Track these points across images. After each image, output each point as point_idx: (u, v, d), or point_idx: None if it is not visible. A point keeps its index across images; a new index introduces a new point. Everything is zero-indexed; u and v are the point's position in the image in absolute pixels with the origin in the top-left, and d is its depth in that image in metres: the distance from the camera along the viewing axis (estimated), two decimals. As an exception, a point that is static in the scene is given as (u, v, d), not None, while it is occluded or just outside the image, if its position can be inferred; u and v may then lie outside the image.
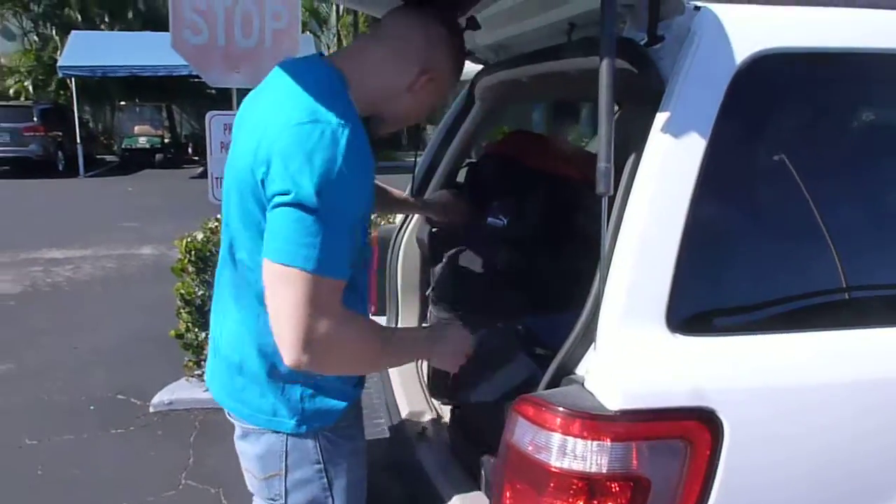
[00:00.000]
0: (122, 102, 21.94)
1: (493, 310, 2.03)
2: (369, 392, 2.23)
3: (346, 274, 1.20)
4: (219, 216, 3.98)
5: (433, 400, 2.05)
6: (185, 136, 23.12)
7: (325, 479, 1.40)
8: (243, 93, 4.36)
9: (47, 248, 8.57)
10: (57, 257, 8.16)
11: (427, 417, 1.98)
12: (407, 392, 2.12)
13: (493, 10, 1.95)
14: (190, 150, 21.83)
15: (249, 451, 1.43)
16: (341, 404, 1.38)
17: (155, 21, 22.01)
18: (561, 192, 2.27)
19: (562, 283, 2.04)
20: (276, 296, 1.17)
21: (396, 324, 2.51)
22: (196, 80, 20.78)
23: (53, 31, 22.20)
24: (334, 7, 22.94)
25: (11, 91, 21.13)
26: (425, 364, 2.42)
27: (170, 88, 20.88)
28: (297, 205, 1.13)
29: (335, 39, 24.54)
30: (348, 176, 1.15)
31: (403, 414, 2.01)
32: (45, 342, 5.23)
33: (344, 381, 1.39)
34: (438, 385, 1.96)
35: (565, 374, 1.19)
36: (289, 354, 1.17)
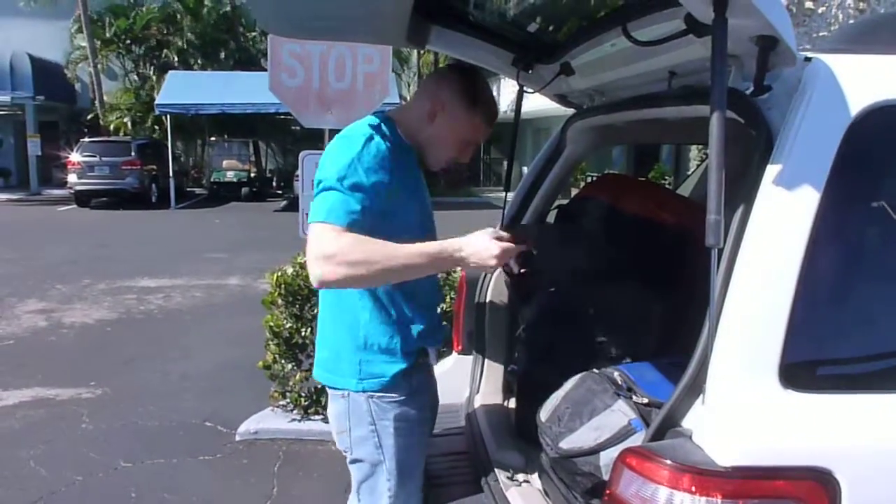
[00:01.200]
0: (213, 138, 23.01)
1: (586, 354, 2.02)
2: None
3: (344, 222, 1.56)
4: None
5: (524, 443, 2.05)
6: (270, 170, 24.00)
7: (377, 439, 1.78)
8: (334, 133, 4.56)
9: (140, 276, 9.00)
10: (149, 286, 8.55)
11: (518, 461, 1.98)
12: (496, 435, 2.13)
13: (590, 57, 1.98)
14: (274, 184, 22.61)
15: (331, 410, 1.87)
16: (390, 370, 1.76)
17: (245, 61, 23.10)
18: (655, 238, 2.26)
19: (658, 330, 2.02)
20: (307, 242, 1.59)
21: (483, 365, 2.52)
22: (282, 117, 21.69)
23: (152, 71, 23.56)
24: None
25: (112, 126, 22.44)
26: (513, 404, 2.43)
27: (257, 125, 21.81)
28: (324, 189, 1.62)
29: (416, 78, 25.11)
30: (360, 168, 1.62)
31: (494, 457, 2.01)
32: (139, 368, 5.48)
33: (392, 352, 1.77)
34: (529, 428, 1.96)
35: (671, 426, 1.18)
36: (312, 273, 1.57)
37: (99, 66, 23.03)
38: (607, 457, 1.49)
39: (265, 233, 13.23)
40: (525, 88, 2.38)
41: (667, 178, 16.82)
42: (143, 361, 5.65)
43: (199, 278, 9.01)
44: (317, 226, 1.58)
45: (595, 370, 1.72)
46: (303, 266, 3.93)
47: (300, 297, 3.83)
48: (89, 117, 23.70)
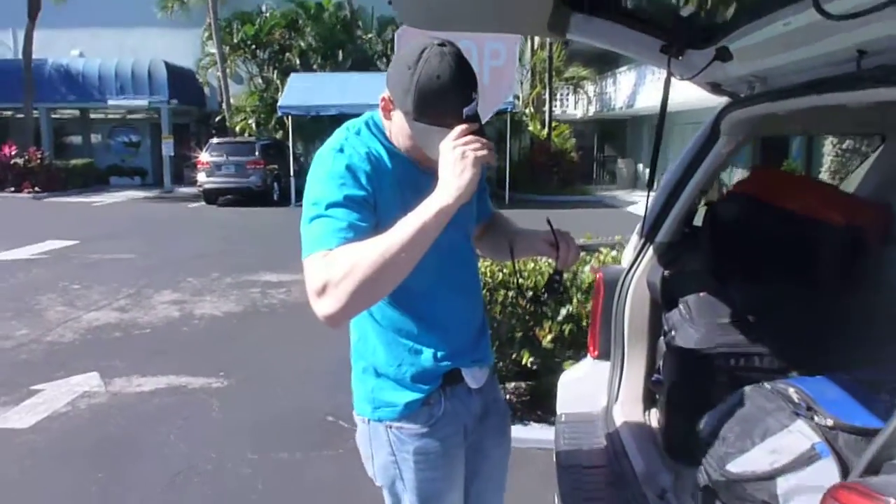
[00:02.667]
0: (331, 138, 23.71)
1: (745, 365, 1.84)
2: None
3: (332, 244, 1.38)
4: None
5: (673, 460, 1.89)
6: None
7: (398, 470, 1.66)
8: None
9: (264, 271, 9.34)
10: (272, 280, 8.85)
11: (668, 480, 1.83)
12: (641, 450, 1.98)
13: (755, 40, 1.80)
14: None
15: (357, 435, 1.75)
16: (402, 399, 1.62)
17: (362, 62, 23.65)
18: (821, 238, 2.04)
19: (830, 340, 1.81)
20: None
21: (622, 371, 2.38)
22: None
23: (275, 75, 24.56)
24: (529, 42, 23.30)
25: (238, 128, 23.56)
26: (654, 417, 2.27)
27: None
28: (307, 219, 1.45)
29: (528, 75, 24.89)
30: (335, 184, 1.45)
31: (640, 474, 1.87)
32: (265, 361, 5.65)
33: (401, 380, 1.62)
34: (681, 445, 1.81)
35: (888, 458, 1.01)
36: (316, 311, 1.38)
37: (227, 70, 24.26)
38: (786, 484, 1.33)
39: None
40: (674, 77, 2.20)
41: (800, 172, 15.81)
42: (269, 354, 5.83)
43: (318, 274, 9.25)
44: (305, 263, 1.41)
45: (765, 384, 1.55)
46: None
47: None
48: (217, 119, 25.01)
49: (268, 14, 24.70)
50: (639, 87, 22.99)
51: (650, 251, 2.35)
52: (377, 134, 1.58)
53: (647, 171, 22.44)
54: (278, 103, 19.58)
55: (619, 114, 26.31)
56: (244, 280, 8.88)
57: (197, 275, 9.18)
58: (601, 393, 2.41)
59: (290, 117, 19.69)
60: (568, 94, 28.55)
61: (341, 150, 1.50)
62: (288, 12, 24.67)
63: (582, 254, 4.12)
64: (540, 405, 4.08)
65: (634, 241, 2.47)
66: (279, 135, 22.78)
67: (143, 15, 25.72)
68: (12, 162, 21.57)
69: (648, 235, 2.36)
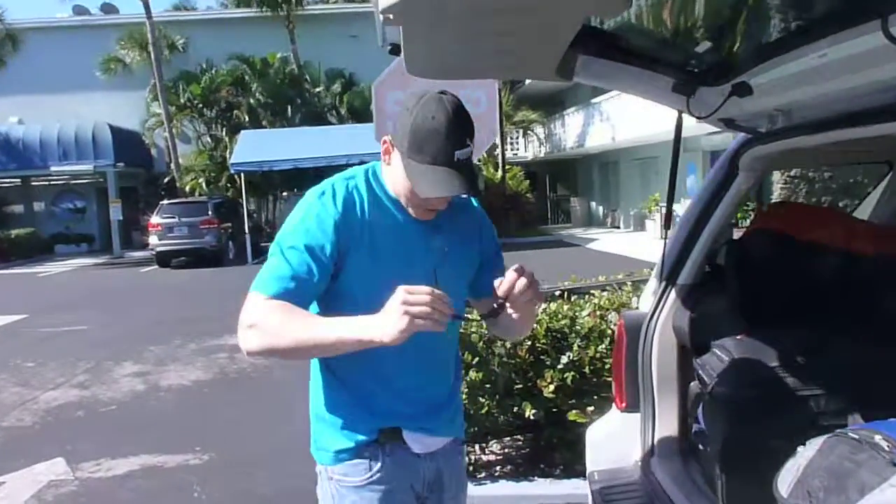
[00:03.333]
0: (285, 193, 23.46)
1: (802, 411, 1.75)
2: None
3: (270, 291, 1.48)
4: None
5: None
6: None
7: None
8: None
9: (228, 334, 8.99)
10: (237, 344, 8.53)
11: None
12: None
13: (782, 73, 1.75)
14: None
15: None
16: (335, 444, 1.62)
17: (312, 116, 23.65)
18: (852, 270, 1.98)
19: (888, 376, 1.73)
20: None
21: (654, 422, 2.26)
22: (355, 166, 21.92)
23: (224, 132, 24.34)
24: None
25: (188, 188, 23.18)
26: (696, 470, 2.15)
27: (328, 178, 22.15)
28: (270, 253, 1.57)
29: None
30: (301, 230, 1.53)
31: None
32: (242, 431, 5.37)
33: (336, 424, 1.63)
34: (741, 501, 1.69)
35: None
36: (240, 338, 1.51)
37: (174, 130, 23.94)
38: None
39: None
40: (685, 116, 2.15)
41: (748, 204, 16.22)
42: (245, 424, 5.55)
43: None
44: (249, 294, 1.52)
45: (847, 432, 1.44)
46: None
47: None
48: (166, 180, 24.58)
49: (213, 72, 24.57)
50: (587, 128, 23.51)
51: (672, 294, 2.27)
52: (373, 181, 1.63)
53: (600, 208, 22.79)
54: (230, 161, 19.38)
55: (569, 154, 26.82)
56: (209, 345, 8.55)
57: (158, 343, 8.81)
58: (633, 447, 2.28)
59: (241, 175, 19.45)
60: (518, 137, 29.01)
61: (322, 195, 1.57)
62: (234, 69, 24.61)
63: (574, 298, 4.06)
64: (542, 458, 3.93)
65: (653, 284, 2.38)
66: (231, 193, 22.48)
67: (85, 79, 25.36)
68: (-50, 237, 20.75)
69: (669, 278, 2.28)
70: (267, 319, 1.46)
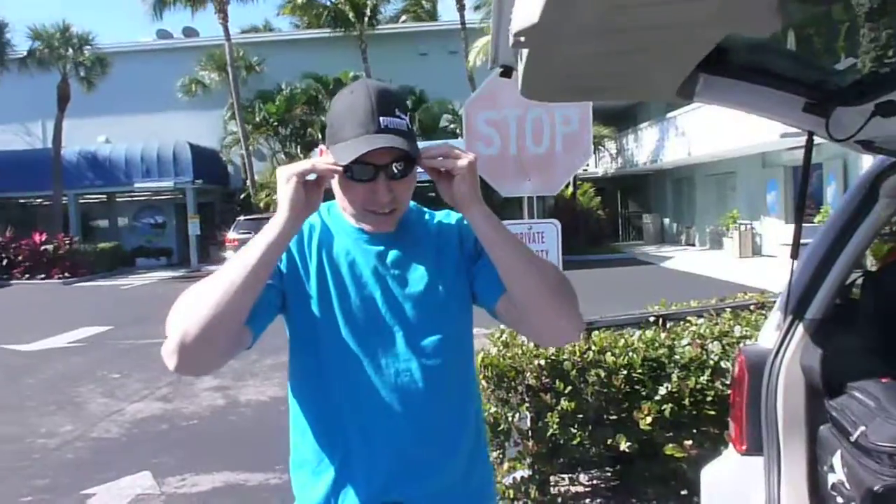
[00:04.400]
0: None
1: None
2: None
3: None
4: (503, 327, 3.83)
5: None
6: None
7: None
8: (533, 200, 4.31)
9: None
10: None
11: None
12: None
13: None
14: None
15: None
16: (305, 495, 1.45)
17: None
18: None
19: None
20: None
21: (780, 468, 2.08)
22: (420, 184, 22.12)
23: (298, 150, 24.89)
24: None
25: (262, 204, 23.74)
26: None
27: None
28: None
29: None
30: None
31: None
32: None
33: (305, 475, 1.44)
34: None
35: None
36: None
37: (250, 148, 24.63)
38: None
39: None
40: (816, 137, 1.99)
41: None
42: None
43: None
44: None
45: None
46: (506, 345, 3.64)
47: (506, 378, 3.52)
48: (241, 197, 25.26)
49: (288, 92, 25.18)
50: (662, 143, 23.02)
51: (800, 329, 2.09)
52: (324, 213, 1.49)
53: (674, 224, 22.22)
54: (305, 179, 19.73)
55: (641, 169, 26.31)
56: (285, 361, 8.57)
57: (236, 357, 8.91)
58: (755, 493, 2.11)
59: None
60: (589, 153, 28.64)
61: None
62: (308, 88, 25.17)
63: (669, 324, 3.88)
64: (633, 491, 3.75)
65: (777, 317, 2.21)
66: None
67: (167, 99, 26.39)
68: (42, 248, 21.77)
69: (796, 311, 2.10)
70: (179, 301, 1.28)
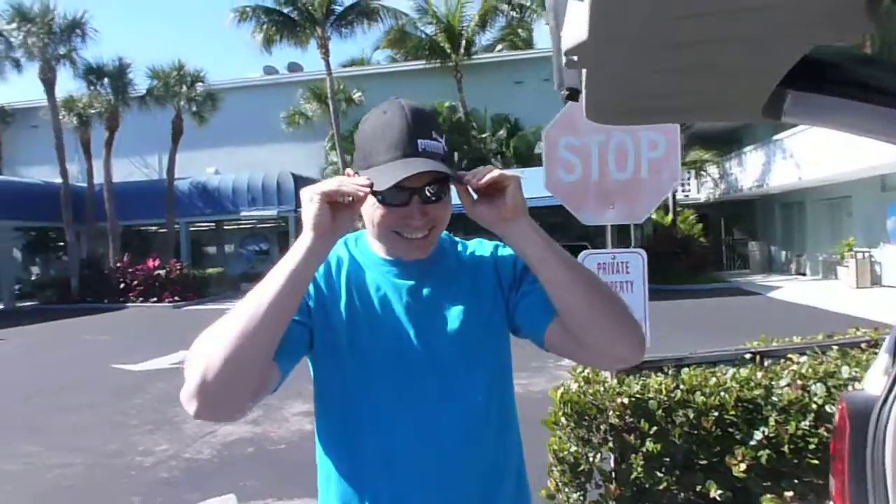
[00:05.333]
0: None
1: None
2: None
3: None
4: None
5: None
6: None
7: None
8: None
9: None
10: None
11: None
12: None
13: None
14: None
15: None
16: None
17: (478, 161, 24.04)
18: None
19: None
20: None
21: (889, 534, 1.83)
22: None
23: (393, 179, 25.45)
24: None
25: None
26: None
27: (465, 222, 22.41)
28: None
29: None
30: None
31: None
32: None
33: None
34: None
35: None
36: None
37: (348, 178, 25.33)
38: None
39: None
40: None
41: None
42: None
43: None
44: None
45: None
46: (587, 381, 3.46)
47: (587, 416, 3.34)
48: (340, 225, 26.00)
49: (385, 122, 25.78)
50: (768, 166, 21.96)
51: (912, 375, 1.85)
52: (351, 243, 1.43)
53: (782, 252, 21.08)
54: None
55: (746, 194, 25.17)
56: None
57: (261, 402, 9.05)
58: (861, 562, 1.86)
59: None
60: (690, 178, 27.72)
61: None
62: (404, 119, 25.70)
63: (768, 362, 3.58)
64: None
65: (885, 361, 1.96)
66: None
67: (272, 132, 27.64)
68: (155, 273, 23.05)
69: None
70: (200, 339, 1.19)
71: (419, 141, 1.24)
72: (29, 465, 6.09)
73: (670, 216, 22.25)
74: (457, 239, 1.50)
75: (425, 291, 1.36)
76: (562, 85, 1.80)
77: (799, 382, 3.09)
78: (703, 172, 26.28)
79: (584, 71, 1.45)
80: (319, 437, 1.41)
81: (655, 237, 22.69)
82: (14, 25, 22.70)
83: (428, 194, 1.27)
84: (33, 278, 27.72)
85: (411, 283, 1.36)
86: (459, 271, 1.41)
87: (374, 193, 1.23)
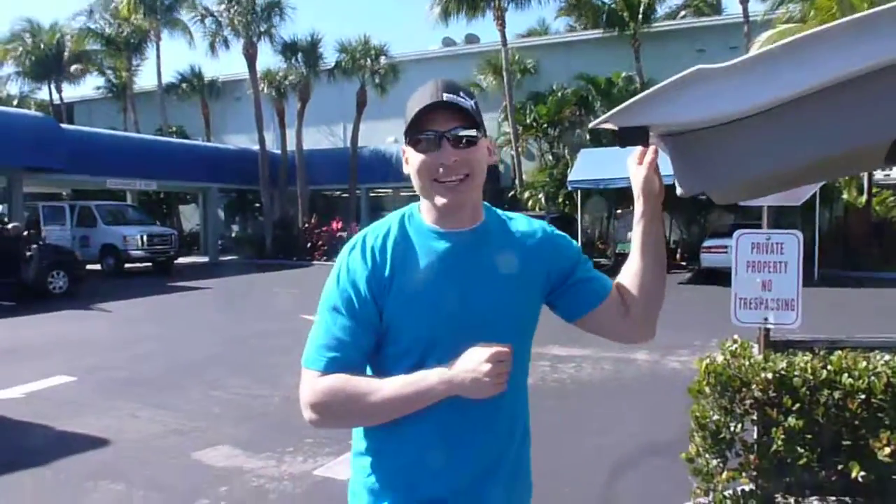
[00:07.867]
0: (619, 211, 23.63)
1: None
2: None
3: (320, 366, 1.46)
4: (737, 337, 3.80)
5: None
6: (674, 241, 23.63)
7: None
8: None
9: (552, 344, 9.45)
10: (560, 354, 8.91)
11: None
12: None
13: None
14: (678, 256, 22.17)
15: None
16: None
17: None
18: None
19: None
20: None
21: None
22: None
23: (566, 151, 25.38)
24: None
25: (529, 203, 24.61)
26: None
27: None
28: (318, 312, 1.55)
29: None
30: (341, 285, 1.49)
31: None
32: (557, 437, 5.65)
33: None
34: None
35: None
36: (304, 414, 1.50)
37: (519, 148, 25.65)
38: None
39: (672, 306, 12.87)
40: None
41: None
42: (561, 431, 5.83)
43: (606, 350, 9.09)
44: (303, 368, 1.51)
45: None
46: (733, 354, 3.62)
47: (731, 388, 3.52)
48: (510, 195, 26.44)
49: (560, 94, 25.71)
50: None
51: None
52: (407, 221, 1.55)
53: None
54: (568, 178, 20.11)
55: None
56: (534, 352, 9.02)
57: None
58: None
59: (578, 191, 20.09)
60: (892, 156, 25.11)
61: (352, 250, 1.52)
62: (578, 90, 25.47)
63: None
64: (872, 527, 3.50)
65: None
66: (567, 209, 23.28)
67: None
68: (338, 235, 24.91)
69: None
70: (328, 400, 1.43)
71: (444, 94, 1.41)
72: (237, 395, 7.16)
73: (864, 198, 20.41)
74: (501, 213, 1.63)
75: (472, 261, 1.49)
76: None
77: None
78: (909, 149, 23.70)
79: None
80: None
81: (847, 220, 20.98)
82: (223, 6, 25.20)
83: (458, 135, 1.41)
84: (233, 235, 30.92)
85: (459, 251, 1.49)
86: (509, 246, 1.55)
87: (413, 143, 1.44)
